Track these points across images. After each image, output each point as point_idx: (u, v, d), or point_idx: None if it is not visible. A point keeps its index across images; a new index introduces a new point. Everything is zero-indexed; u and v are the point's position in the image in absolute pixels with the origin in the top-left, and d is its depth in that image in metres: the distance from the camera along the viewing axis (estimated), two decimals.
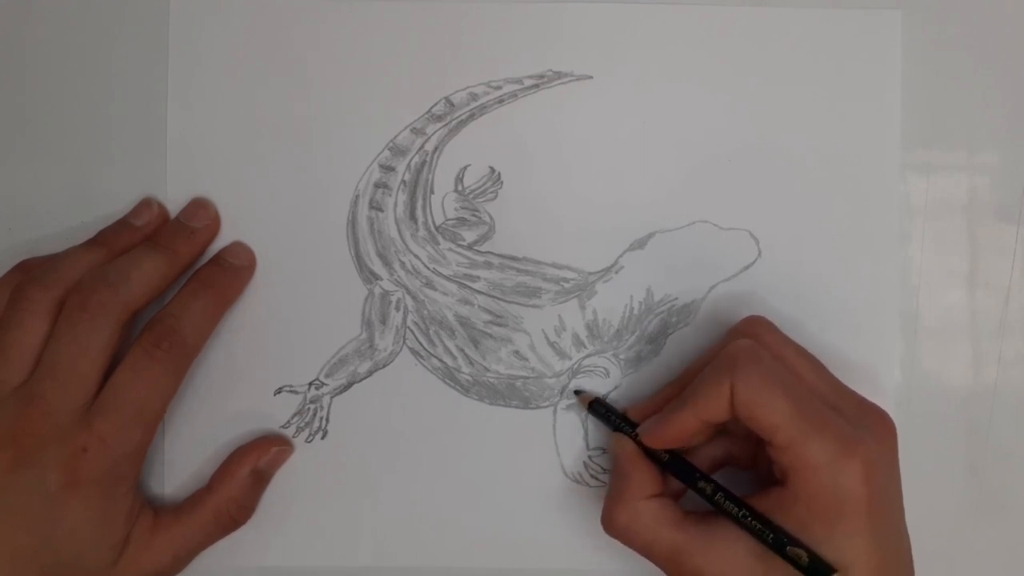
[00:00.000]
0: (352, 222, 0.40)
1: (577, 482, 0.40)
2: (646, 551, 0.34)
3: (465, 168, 0.40)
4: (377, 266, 0.40)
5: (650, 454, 0.35)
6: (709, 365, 0.34)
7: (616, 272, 0.40)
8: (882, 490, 0.32)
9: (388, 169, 0.40)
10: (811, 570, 0.31)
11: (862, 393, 0.35)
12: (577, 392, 0.39)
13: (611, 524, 0.35)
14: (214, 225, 0.40)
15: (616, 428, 0.37)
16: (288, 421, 0.40)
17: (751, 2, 0.40)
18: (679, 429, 0.34)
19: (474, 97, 0.40)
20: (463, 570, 0.40)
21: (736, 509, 0.33)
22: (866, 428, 0.33)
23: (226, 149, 0.40)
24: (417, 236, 0.40)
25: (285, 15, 0.40)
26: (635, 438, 0.36)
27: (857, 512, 0.31)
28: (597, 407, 0.38)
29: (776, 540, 0.32)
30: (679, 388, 0.36)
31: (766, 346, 0.35)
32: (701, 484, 0.34)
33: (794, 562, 0.31)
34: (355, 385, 0.40)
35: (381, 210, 0.40)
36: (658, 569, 0.34)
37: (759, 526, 0.32)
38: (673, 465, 0.35)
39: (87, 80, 0.40)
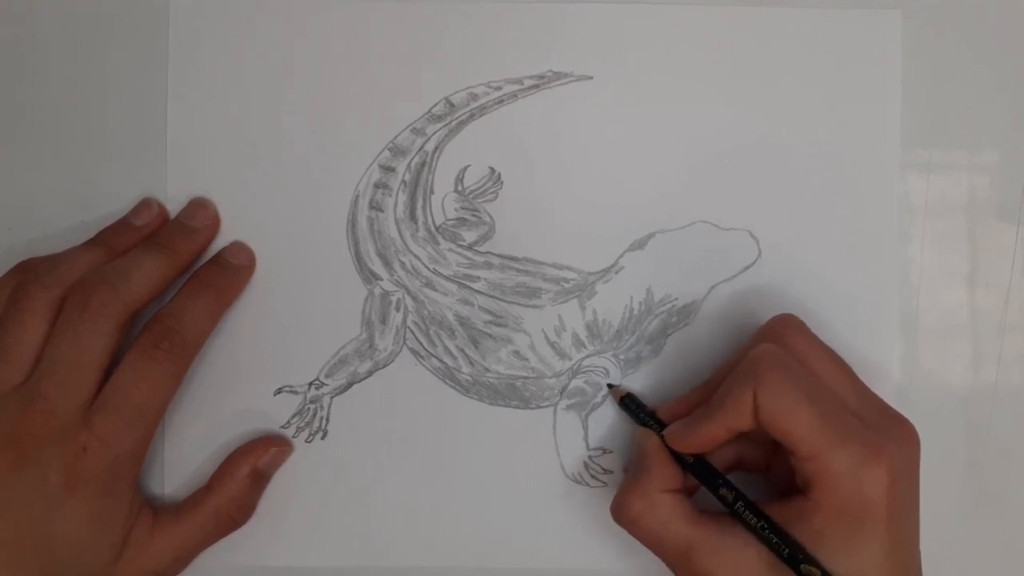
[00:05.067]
0: (352, 222, 0.40)
1: (577, 482, 0.40)
2: (656, 544, 0.34)
3: (465, 168, 0.40)
4: (377, 266, 0.40)
5: (675, 453, 0.35)
6: (732, 373, 0.33)
7: (616, 272, 0.40)
8: (903, 498, 0.32)
9: (388, 169, 0.40)
10: None
11: None
12: (610, 386, 0.39)
13: (624, 512, 0.34)
14: (214, 225, 0.40)
15: (644, 424, 0.37)
16: (288, 421, 0.40)
17: (751, 2, 0.40)
18: (705, 437, 0.34)
19: (474, 97, 0.40)
20: (463, 570, 0.40)
21: (755, 520, 0.32)
22: (890, 435, 0.32)
23: (226, 149, 0.40)
24: (417, 236, 0.40)
25: (285, 15, 0.40)
26: (661, 437, 0.35)
27: (877, 520, 0.31)
28: (628, 402, 0.38)
29: (791, 555, 0.31)
30: (708, 391, 0.36)
31: (792, 348, 0.34)
32: (723, 491, 0.34)
33: None
34: (355, 385, 0.40)
35: (381, 210, 0.40)
36: (659, 569, 0.34)
37: (775, 540, 0.32)
38: (697, 468, 0.35)
39: (87, 80, 0.40)
